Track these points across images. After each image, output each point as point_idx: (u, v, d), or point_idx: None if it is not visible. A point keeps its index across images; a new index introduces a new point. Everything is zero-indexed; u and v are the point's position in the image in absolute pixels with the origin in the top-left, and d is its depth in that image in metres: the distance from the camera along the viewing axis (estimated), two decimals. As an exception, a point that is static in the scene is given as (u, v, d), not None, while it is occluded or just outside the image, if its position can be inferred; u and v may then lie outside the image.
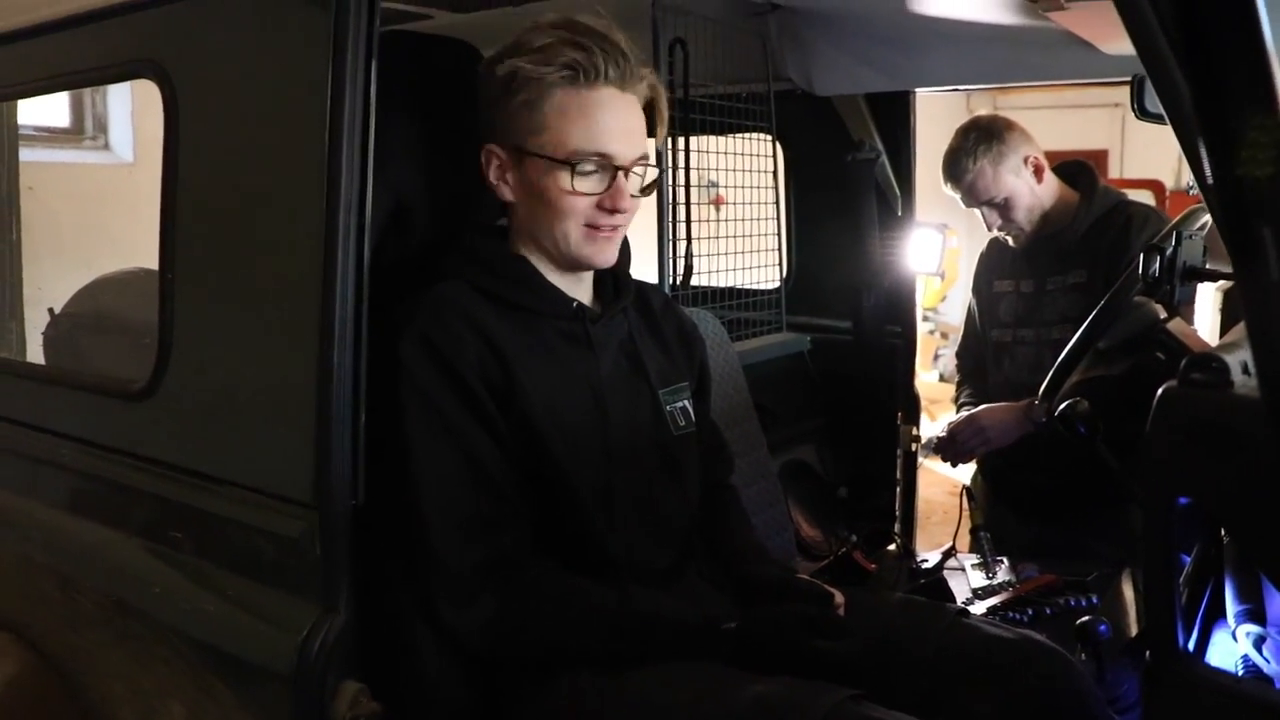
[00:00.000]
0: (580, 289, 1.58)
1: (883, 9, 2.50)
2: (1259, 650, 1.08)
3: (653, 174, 1.55)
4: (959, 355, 2.99)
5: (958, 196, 2.63)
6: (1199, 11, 0.72)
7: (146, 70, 1.63)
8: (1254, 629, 1.11)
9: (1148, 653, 1.04)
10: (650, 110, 1.54)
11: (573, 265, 1.54)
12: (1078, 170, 2.68)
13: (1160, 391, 0.97)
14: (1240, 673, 1.08)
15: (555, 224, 1.49)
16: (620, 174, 1.48)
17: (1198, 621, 1.20)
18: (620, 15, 1.52)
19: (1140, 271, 1.91)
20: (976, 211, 2.63)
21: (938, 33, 2.51)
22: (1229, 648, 1.14)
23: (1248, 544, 1.09)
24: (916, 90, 2.94)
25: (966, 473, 2.87)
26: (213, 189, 1.58)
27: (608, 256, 1.53)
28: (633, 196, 1.52)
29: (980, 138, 2.56)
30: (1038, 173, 2.58)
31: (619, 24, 1.50)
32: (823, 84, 2.89)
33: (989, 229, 2.66)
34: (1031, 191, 2.57)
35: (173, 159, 1.59)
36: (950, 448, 2.61)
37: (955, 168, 2.59)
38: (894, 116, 2.95)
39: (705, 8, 2.62)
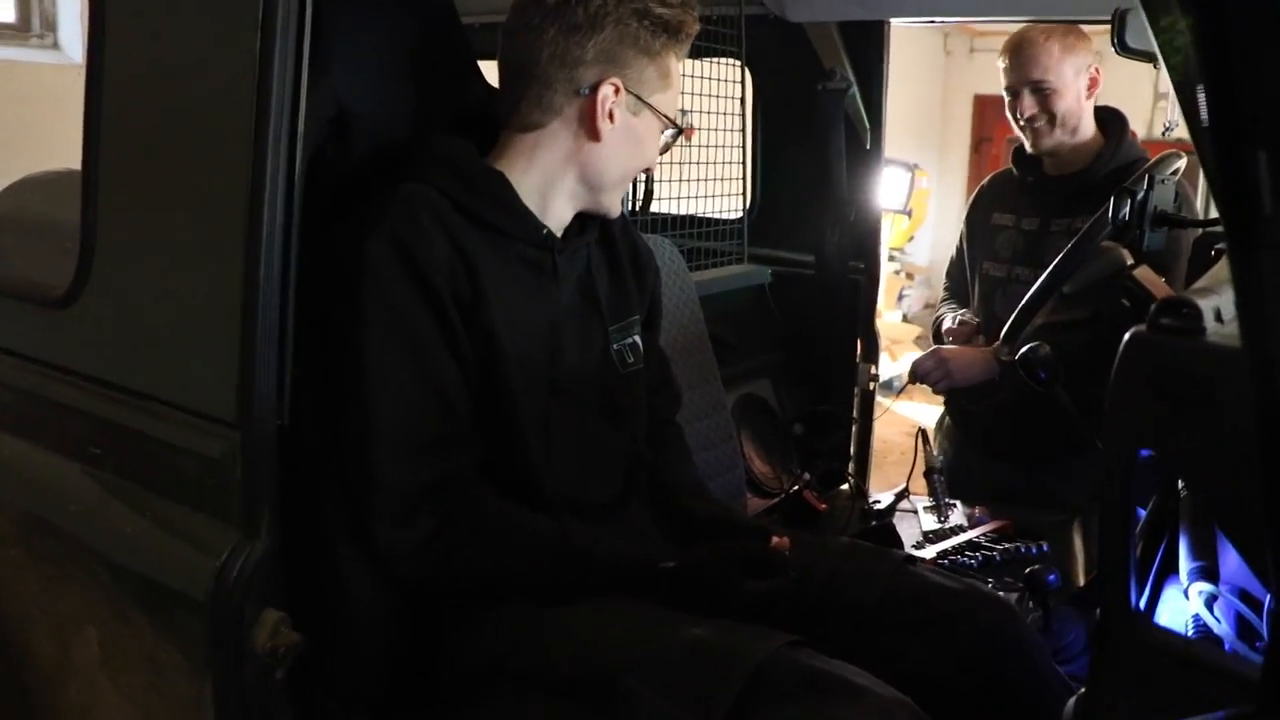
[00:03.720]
0: (550, 218, 1.51)
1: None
2: (1210, 610, 1.05)
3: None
4: (949, 275, 2.89)
5: (1004, 67, 2.50)
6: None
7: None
8: (1206, 587, 1.07)
9: (1098, 611, 1.00)
10: None
11: (603, 209, 1.55)
12: (1110, 116, 2.56)
13: (1127, 336, 0.92)
14: (1190, 633, 1.04)
15: (628, 172, 1.54)
16: None
17: (1150, 577, 1.16)
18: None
19: (1110, 215, 1.85)
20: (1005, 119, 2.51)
21: (916, -39, 2.42)
22: (1180, 605, 1.11)
23: (1211, 501, 1.05)
24: (891, 21, 2.85)
25: (928, 414, 2.82)
26: (139, 84, 1.48)
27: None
28: None
29: (1059, 26, 2.45)
30: (1091, 86, 2.48)
31: None
32: (796, 9, 2.79)
33: (1017, 120, 2.50)
34: (1078, 99, 2.46)
35: (98, 51, 1.49)
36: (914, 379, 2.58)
37: (1021, 39, 2.46)
38: (867, 47, 2.85)
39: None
